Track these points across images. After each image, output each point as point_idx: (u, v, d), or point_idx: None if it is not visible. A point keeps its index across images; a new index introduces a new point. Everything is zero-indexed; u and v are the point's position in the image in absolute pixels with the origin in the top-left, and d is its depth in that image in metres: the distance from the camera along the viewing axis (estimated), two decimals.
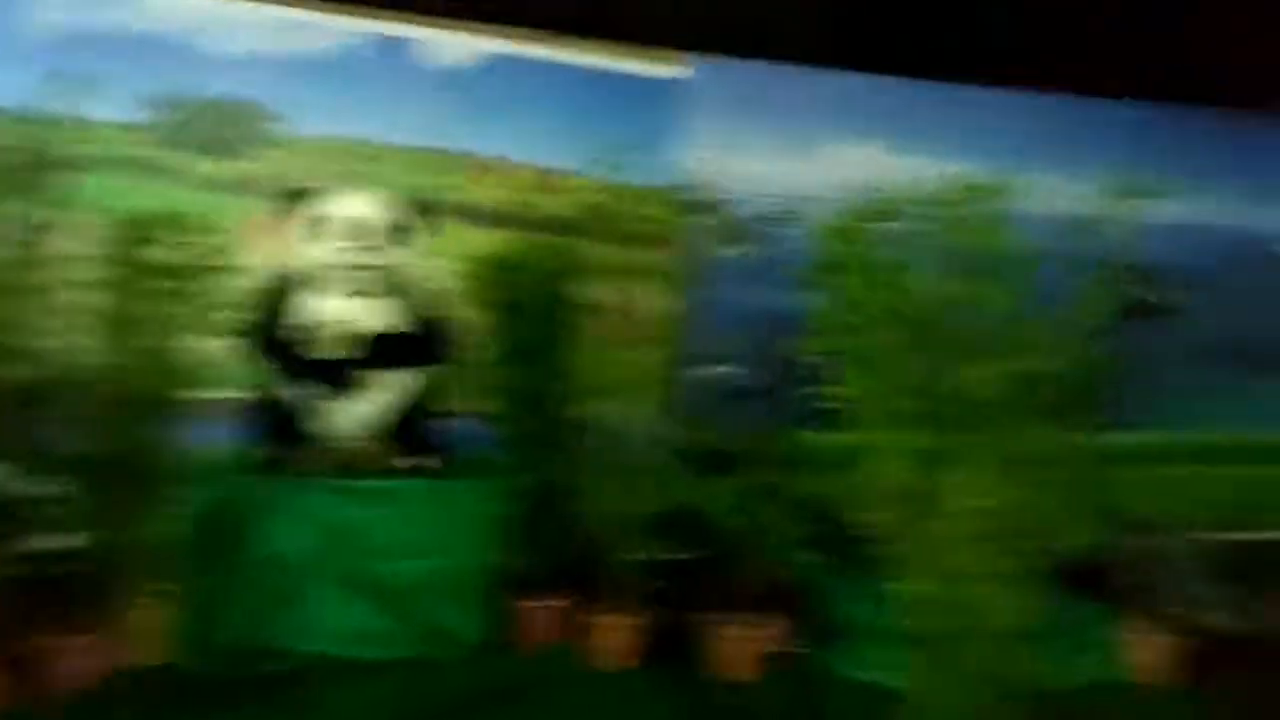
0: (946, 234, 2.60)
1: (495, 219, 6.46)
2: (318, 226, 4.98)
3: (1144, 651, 5.13)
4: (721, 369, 6.57)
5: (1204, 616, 4.98)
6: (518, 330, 5.35)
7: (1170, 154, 8.26)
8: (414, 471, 5.12)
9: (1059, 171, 7.21)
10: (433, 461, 5.21)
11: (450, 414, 5.50)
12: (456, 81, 6.57)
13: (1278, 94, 8.37)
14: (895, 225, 2.73)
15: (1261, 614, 5.40)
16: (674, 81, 6.80)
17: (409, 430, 5.21)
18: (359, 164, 6.35)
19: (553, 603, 5.23)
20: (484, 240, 6.07)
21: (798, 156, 7.04)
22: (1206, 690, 4.89)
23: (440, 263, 5.53)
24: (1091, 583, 5.40)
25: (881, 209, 2.71)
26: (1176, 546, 5.15)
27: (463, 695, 4.46)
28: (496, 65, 6.62)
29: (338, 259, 4.94)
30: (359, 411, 5.07)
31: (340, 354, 4.94)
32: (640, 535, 5.17)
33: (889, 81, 7.31)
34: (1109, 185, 2.56)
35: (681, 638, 5.12)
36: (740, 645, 4.97)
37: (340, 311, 4.97)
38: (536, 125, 6.62)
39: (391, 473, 5.08)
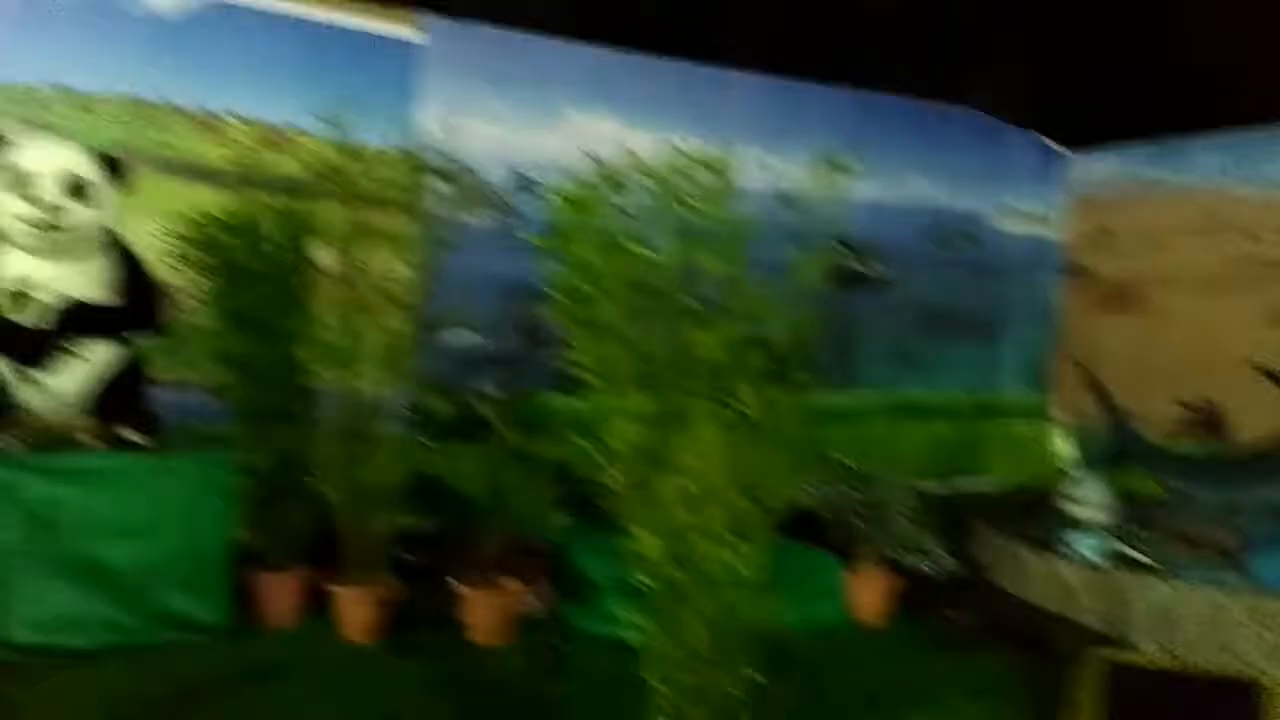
0: (674, 205, 2.71)
1: (219, 177, 6.04)
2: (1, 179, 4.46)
3: (864, 594, 5.63)
4: (464, 335, 6.52)
5: (914, 560, 5.46)
6: (241, 295, 5.05)
7: (877, 137, 8.97)
8: (122, 446, 4.76)
9: (777, 149, 7.62)
10: (143, 436, 4.85)
11: (168, 385, 5.16)
12: (176, 30, 6.06)
13: (974, 88, 9.27)
14: (625, 195, 2.81)
15: (963, 556, 6.03)
16: (410, 42, 6.61)
17: (115, 402, 4.80)
18: (59, 114, 5.75)
19: (295, 579, 5.06)
20: (206, 199, 5.66)
21: (536, 125, 7.05)
22: (918, 626, 5.43)
23: (153, 223, 5.13)
24: (816, 532, 5.86)
25: (612, 179, 2.78)
26: (888, 497, 5.61)
27: (200, 681, 4.22)
28: (219, 14, 6.16)
29: (23, 214, 4.41)
30: (58, 383, 4.62)
31: (32, 320, 4.48)
32: (384, 506, 5.08)
33: (626, 55, 7.46)
34: (817, 163, 2.74)
35: (432, 606, 5.10)
36: (491, 610, 5.01)
37: (28, 273, 4.48)
38: (265, 80, 6.25)
39: (98, 449, 4.70)
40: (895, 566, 5.61)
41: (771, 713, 3.11)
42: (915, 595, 5.60)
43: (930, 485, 8.83)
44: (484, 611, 5.02)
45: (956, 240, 9.76)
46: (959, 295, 9.81)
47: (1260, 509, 5.57)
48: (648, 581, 2.95)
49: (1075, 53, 8.38)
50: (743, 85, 8.09)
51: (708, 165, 2.67)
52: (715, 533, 2.83)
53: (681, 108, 7.59)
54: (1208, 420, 9.11)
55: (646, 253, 2.68)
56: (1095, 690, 3.93)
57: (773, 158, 7.43)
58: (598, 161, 2.86)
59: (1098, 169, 10.14)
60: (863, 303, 9.09)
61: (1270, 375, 5.77)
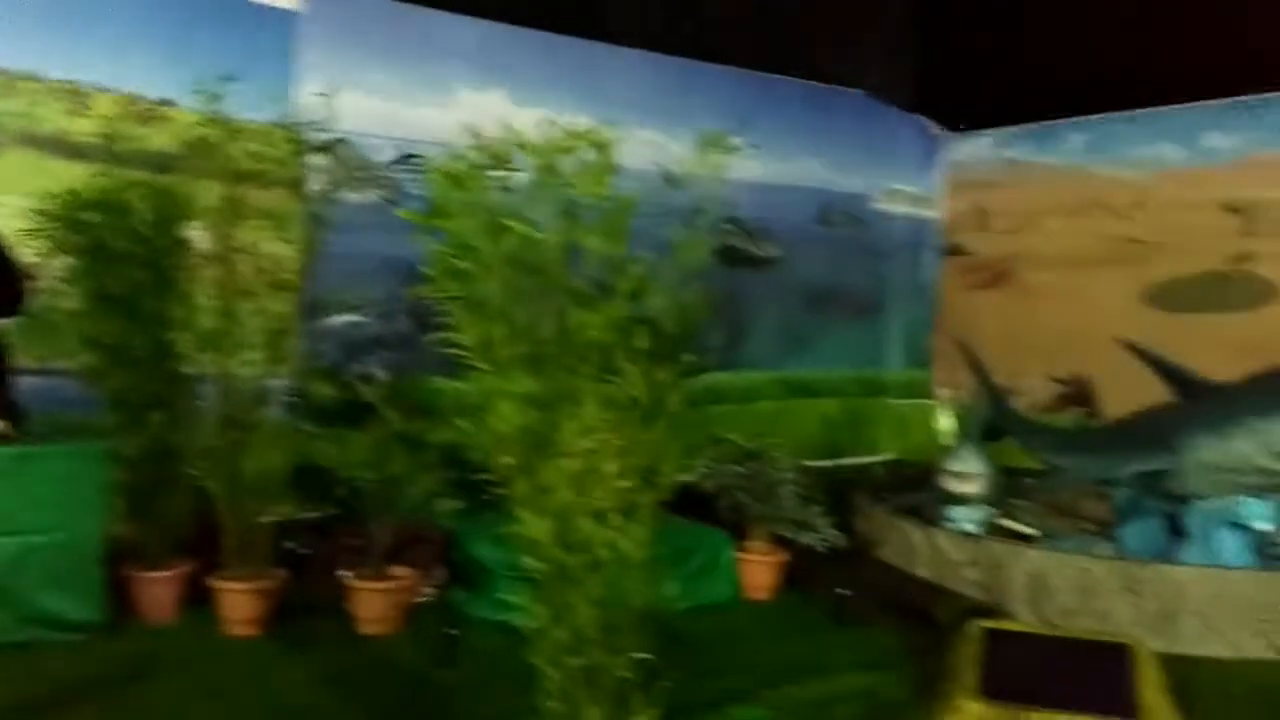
0: (557, 183, 2.67)
1: (86, 152, 5.71)
2: None
3: (754, 571, 5.72)
4: (349, 317, 6.34)
5: (803, 536, 5.56)
6: (111, 277, 4.81)
7: (766, 118, 9.06)
8: None
9: (666, 128, 7.62)
10: (7, 426, 4.59)
11: (34, 372, 4.89)
12: None
13: (860, 71, 9.44)
14: (507, 172, 2.75)
15: (850, 531, 6.17)
16: (289, 11, 6.37)
17: None
18: None
19: (174, 573, 4.88)
20: (72, 175, 5.34)
21: (422, 100, 6.88)
22: (807, 601, 5.54)
23: (14, 200, 4.84)
24: (706, 511, 5.92)
25: (494, 155, 2.73)
26: (777, 475, 5.69)
27: (74, 681, 4.02)
28: None
29: None
30: None
31: None
32: (267, 495, 4.93)
33: (515, 31, 7.35)
34: (702, 142, 2.74)
35: (320, 597, 4.97)
36: (381, 599, 4.92)
37: None
38: (135, 50, 5.92)
39: None
40: (785, 543, 5.70)
41: (662, 693, 3.12)
42: (804, 571, 5.71)
43: (818, 462, 9.04)
44: (374, 601, 4.93)
45: (842, 221, 9.94)
46: (845, 275, 10.00)
47: (1127, 480, 5.83)
48: (536, 565, 2.92)
49: (954, 38, 8.62)
50: (633, 63, 8.05)
51: (592, 142, 2.64)
52: (603, 514, 2.82)
53: (571, 85, 7.51)
54: (1078, 395, 9.54)
55: (529, 231, 2.64)
56: (974, 658, 4.08)
57: (662, 136, 7.42)
58: (479, 137, 2.80)
59: (974, 151, 10.46)
60: (752, 282, 9.19)
61: (1136, 351, 6.04)
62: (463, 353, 2.81)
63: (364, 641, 4.81)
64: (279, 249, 4.85)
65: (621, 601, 2.99)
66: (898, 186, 10.34)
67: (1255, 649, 4.87)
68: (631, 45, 7.89)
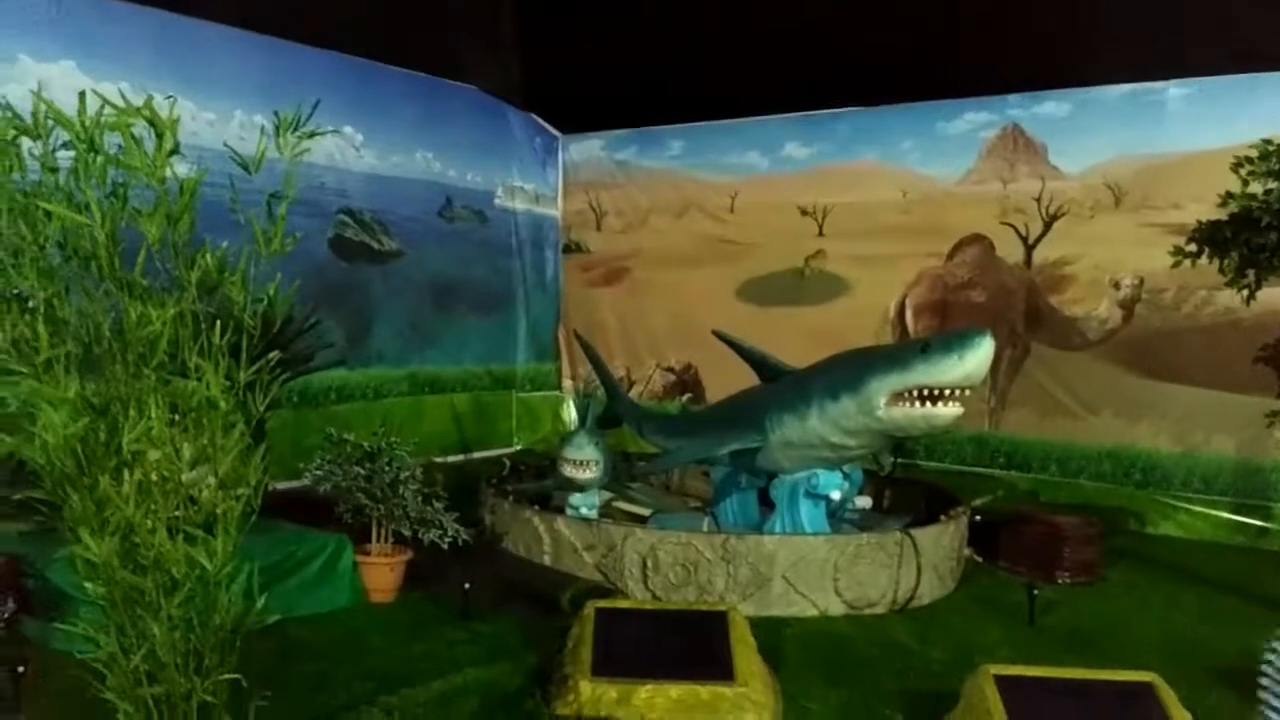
0: (106, 162, 2.37)
1: None
2: None
3: (375, 574, 5.52)
4: None
5: (427, 534, 5.45)
6: None
7: (380, 108, 8.86)
8: None
9: (268, 112, 7.21)
10: None
11: None
12: None
13: (471, 66, 9.48)
14: (47, 149, 2.40)
15: (477, 525, 6.15)
16: None
17: None
18: None
19: None
20: None
21: None
22: (432, 600, 5.43)
23: None
24: (323, 515, 5.65)
25: (24, 129, 2.37)
26: (398, 474, 5.53)
27: None
28: None
29: None
30: None
31: None
32: None
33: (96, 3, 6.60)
34: (280, 124, 2.55)
35: None
36: None
37: None
38: None
39: None
40: (409, 542, 5.58)
41: (254, 713, 2.91)
42: (430, 569, 5.62)
43: (449, 458, 9.00)
44: None
45: (465, 216, 9.96)
46: (470, 270, 10.04)
47: (723, 459, 6.29)
48: (100, 589, 2.60)
49: (562, 39, 8.91)
50: (232, 42, 7.51)
51: (147, 119, 2.37)
52: (177, 528, 2.56)
53: (161, 62, 6.86)
54: (685, 382, 10.28)
55: (70, 215, 2.32)
56: (587, 639, 4.21)
57: (265, 120, 7.01)
58: (7, 108, 2.42)
59: (587, 152, 10.93)
60: (373, 276, 8.95)
61: (725, 340, 6.53)
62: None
63: None
64: None
65: (205, 621, 2.74)
66: (518, 184, 10.54)
67: (833, 606, 5.48)
68: (225, 23, 7.34)
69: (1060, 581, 6.18)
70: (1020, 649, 4.92)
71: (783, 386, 6.04)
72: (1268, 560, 7.01)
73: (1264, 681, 3.63)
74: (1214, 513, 7.62)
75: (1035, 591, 5.42)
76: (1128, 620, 5.60)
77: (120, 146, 2.41)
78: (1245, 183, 5.76)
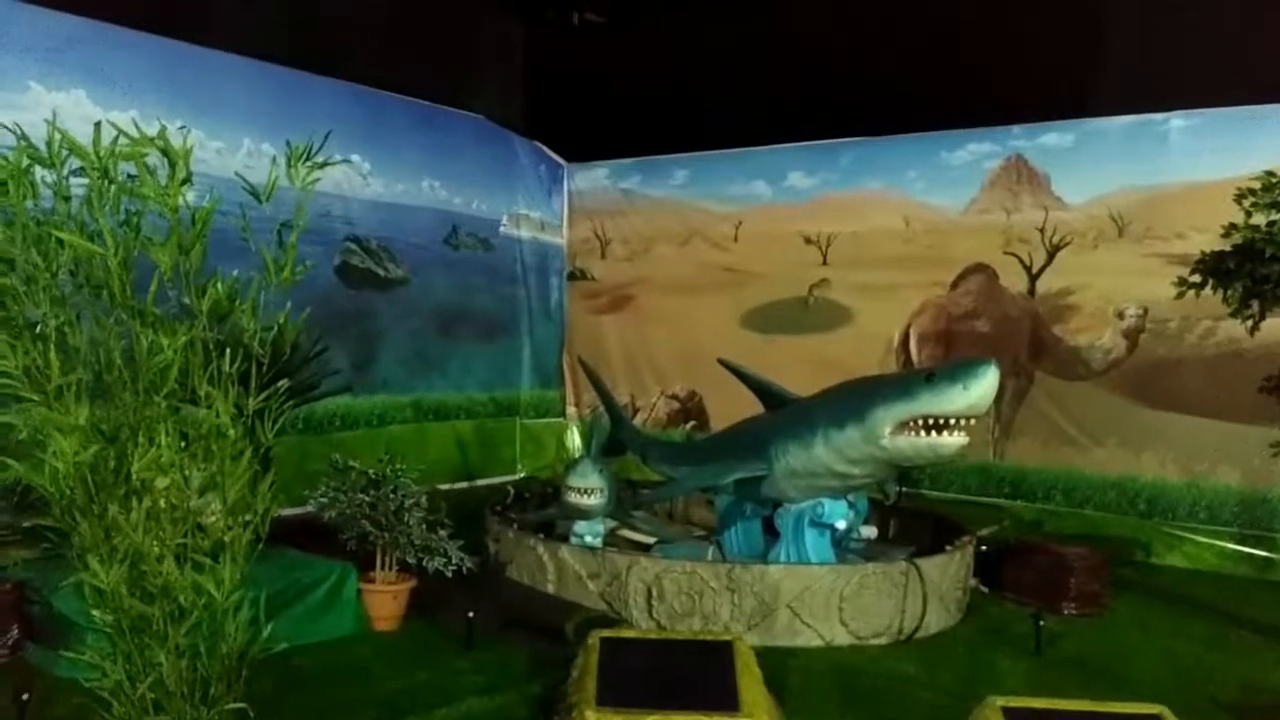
0: (121, 191, 2.39)
1: None
2: None
3: (379, 602, 5.51)
4: None
5: (431, 562, 5.43)
6: None
7: (386, 137, 8.92)
8: None
9: (277, 141, 7.26)
10: None
11: None
12: None
13: (477, 95, 9.56)
14: (63, 178, 2.43)
15: (482, 553, 6.14)
16: None
17: None
18: None
19: None
20: None
21: None
22: (436, 629, 5.41)
23: None
24: (328, 543, 5.63)
25: (39, 159, 2.39)
26: (402, 501, 5.53)
27: None
28: None
29: None
30: None
31: None
32: None
33: (106, 27, 6.66)
34: (291, 155, 2.57)
35: None
36: None
37: None
38: None
39: None
40: (412, 570, 5.56)
41: None
42: (434, 597, 5.60)
43: (454, 485, 8.98)
44: None
45: (470, 244, 10.00)
46: (475, 297, 10.07)
47: (727, 488, 6.27)
48: (105, 618, 2.60)
49: (565, 68, 8.99)
50: (241, 71, 7.57)
51: (161, 149, 2.39)
52: (185, 556, 2.56)
53: (170, 90, 6.92)
54: (690, 410, 10.27)
55: (84, 243, 2.34)
56: (592, 668, 4.18)
57: (272, 148, 7.07)
58: (23, 138, 2.45)
59: (592, 180, 11.00)
60: (380, 303, 8.98)
61: (730, 368, 6.54)
62: (6, 381, 2.43)
63: None
64: None
65: (213, 650, 2.74)
66: (523, 212, 10.59)
67: (839, 636, 5.45)
68: (233, 51, 7.40)
69: (1066, 612, 6.14)
70: (1027, 680, 4.89)
71: (788, 415, 6.03)
72: (1273, 591, 6.96)
73: None
74: (1219, 543, 7.58)
75: (1041, 622, 5.39)
76: (1134, 651, 5.56)
77: (133, 176, 2.44)
78: (1248, 214, 5.78)
